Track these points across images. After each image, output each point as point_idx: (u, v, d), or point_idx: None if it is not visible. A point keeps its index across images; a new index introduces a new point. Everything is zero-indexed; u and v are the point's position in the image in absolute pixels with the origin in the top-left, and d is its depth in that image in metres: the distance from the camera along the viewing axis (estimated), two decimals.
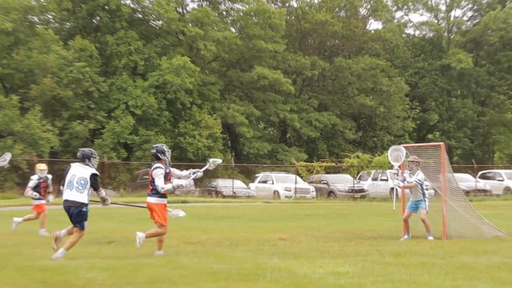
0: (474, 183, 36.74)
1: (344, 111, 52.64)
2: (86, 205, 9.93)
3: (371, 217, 20.83)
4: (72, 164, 10.26)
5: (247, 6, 48.42)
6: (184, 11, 49.61)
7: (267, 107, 48.28)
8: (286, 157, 46.78)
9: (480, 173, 39.39)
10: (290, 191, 35.12)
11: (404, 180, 13.76)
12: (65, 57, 39.05)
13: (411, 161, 13.72)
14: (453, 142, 53.67)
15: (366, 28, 56.50)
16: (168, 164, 10.49)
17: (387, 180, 34.84)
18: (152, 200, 10.35)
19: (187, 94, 42.89)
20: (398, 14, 60.08)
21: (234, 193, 35.10)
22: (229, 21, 51.22)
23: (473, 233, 13.61)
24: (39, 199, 15.00)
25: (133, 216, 19.74)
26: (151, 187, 10.35)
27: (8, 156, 16.12)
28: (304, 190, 35.37)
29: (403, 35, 60.09)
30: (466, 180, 35.54)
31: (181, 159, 39.99)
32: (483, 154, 56.93)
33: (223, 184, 36.87)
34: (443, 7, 58.63)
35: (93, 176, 9.96)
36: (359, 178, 37.68)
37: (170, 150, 10.74)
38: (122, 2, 43.18)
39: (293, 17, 53.50)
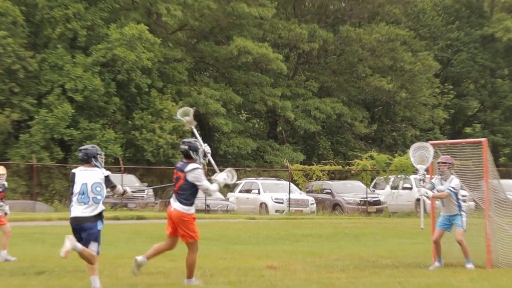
0: None
1: (353, 97, 52.77)
2: (102, 217, 10.42)
3: (390, 239, 20.91)
4: (74, 171, 10.51)
5: None
6: None
7: (250, 92, 48.29)
8: (276, 158, 46.84)
9: None
10: (282, 203, 35.14)
11: (433, 188, 13.74)
12: None
13: (442, 163, 13.70)
14: (499, 138, 54.01)
15: None
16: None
17: (411, 188, 34.95)
18: (181, 208, 10.71)
19: (144, 74, 42.72)
20: None
21: (208, 206, 35.02)
22: None
23: None
24: None
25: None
26: (180, 192, 10.65)
27: None
28: (301, 202, 35.40)
29: None
30: None
31: (136, 161, 39.82)
32: None
33: None
34: None
35: (107, 178, 10.49)
36: (374, 186, 37.77)
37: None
38: None
39: None
